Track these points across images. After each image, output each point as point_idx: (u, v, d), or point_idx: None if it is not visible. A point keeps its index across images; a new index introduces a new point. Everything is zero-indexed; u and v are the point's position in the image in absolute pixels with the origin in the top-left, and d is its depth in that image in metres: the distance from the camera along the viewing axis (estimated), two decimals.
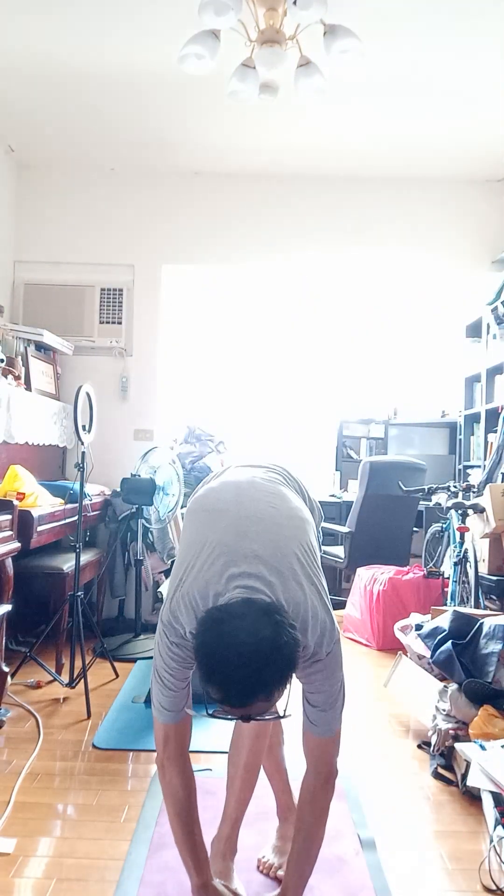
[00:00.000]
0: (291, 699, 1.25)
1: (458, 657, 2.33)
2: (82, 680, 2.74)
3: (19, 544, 2.66)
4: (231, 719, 1.20)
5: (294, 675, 1.28)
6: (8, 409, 3.16)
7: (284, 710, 1.26)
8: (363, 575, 3.91)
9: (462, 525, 3.35)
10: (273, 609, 1.21)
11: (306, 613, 1.30)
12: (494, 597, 3.28)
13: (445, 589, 3.47)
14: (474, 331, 4.61)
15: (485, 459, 4.24)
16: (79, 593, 2.85)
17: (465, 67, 3.15)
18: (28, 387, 3.57)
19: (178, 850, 1.43)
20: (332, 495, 4.80)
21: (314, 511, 1.69)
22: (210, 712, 1.18)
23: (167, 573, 3.81)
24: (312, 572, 1.37)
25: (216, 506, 1.48)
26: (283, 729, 1.79)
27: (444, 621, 2.49)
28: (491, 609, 3.13)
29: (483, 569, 3.32)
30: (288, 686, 1.21)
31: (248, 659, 1.13)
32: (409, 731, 2.58)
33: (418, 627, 2.72)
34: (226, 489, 1.54)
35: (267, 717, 1.21)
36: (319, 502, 1.78)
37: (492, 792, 1.89)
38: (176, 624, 1.33)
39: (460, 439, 4.87)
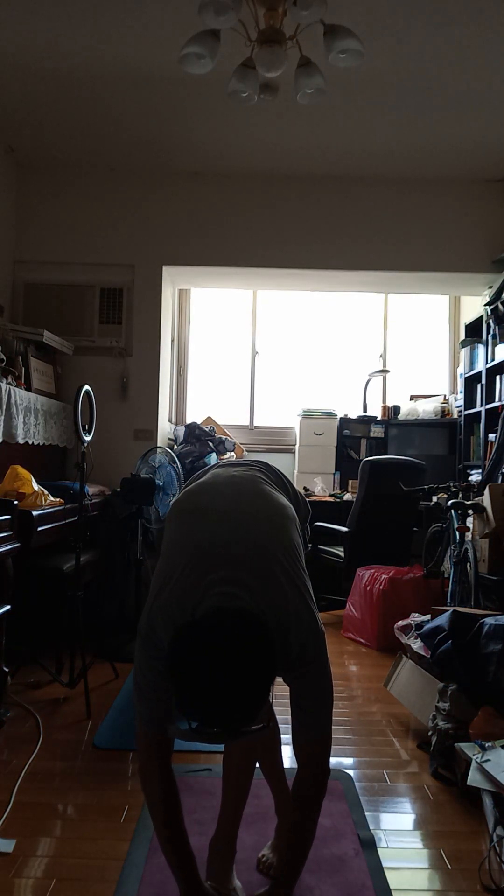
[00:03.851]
0: (276, 705, 1.23)
1: (458, 657, 2.33)
2: (82, 680, 2.74)
3: (19, 544, 2.66)
4: (215, 740, 1.17)
5: (280, 678, 1.26)
6: (8, 409, 3.16)
7: (269, 721, 1.24)
8: (363, 575, 3.91)
9: (462, 525, 3.35)
10: (249, 618, 1.18)
11: (288, 617, 1.29)
12: (494, 596, 3.28)
13: (445, 589, 3.46)
14: (474, 331, 4.61)
15: (485, 459, 4.24)
16: (79, 593, 2.85)
17: (466, 67, 3.15)
18: (28, 387, 3.57)
19: (165, 857, 1.41)
20: (332, 495, 4.80)
21: (300, 507, 1.66)
22: (193, 727, 1.15)
23: None
24: (295, 574, 1.35)
25: (196, 510, 1.46)
26: (279, 728, 1.78)
27: (444, 621, 2.48)
28: (491, 609, 3.13)
29: (483, 569, 3.32)
30: (270, 698, 1.19)
31: (221, 688, 1.11)
32: (409, 731, 2.57)
33: (418, 627, 2.72)
34: (205, 492, 1.51)
35: (253, 729, 1.18)
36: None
37: (492, 792, 1.89)
38: (154, 637, 1.31)
39: (460, 439, 4.88)
